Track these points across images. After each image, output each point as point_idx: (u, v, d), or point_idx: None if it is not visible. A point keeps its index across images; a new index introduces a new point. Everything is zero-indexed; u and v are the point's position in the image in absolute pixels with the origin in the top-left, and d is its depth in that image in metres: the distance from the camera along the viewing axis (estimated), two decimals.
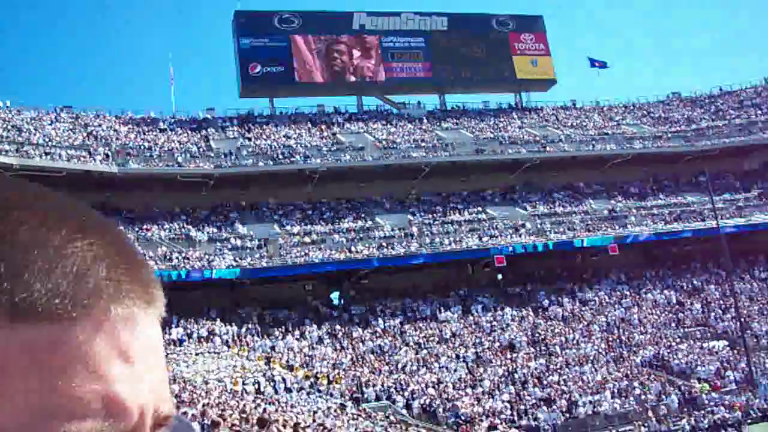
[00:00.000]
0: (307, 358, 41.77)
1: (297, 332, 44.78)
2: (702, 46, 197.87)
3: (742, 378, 43.37)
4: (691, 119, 74.31)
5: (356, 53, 68.03)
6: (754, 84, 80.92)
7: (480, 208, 58.62)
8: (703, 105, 79.11)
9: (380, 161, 57.58)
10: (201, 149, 55.42)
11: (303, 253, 48.58)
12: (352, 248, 50.22)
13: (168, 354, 36.73)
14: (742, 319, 47.16)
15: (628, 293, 55.56)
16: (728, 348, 47.87)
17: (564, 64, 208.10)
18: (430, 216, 56.51)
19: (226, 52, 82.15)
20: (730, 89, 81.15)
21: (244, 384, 34.04)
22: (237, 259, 47.20)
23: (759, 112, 74.49)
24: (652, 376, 43.72)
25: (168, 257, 45.48)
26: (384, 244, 51.32)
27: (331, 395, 36.66)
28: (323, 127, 63.79)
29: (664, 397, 40.61)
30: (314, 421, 29.42)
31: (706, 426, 36.83)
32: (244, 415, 26.62)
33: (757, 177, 69.87)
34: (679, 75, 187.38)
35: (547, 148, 63.68)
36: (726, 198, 64.38)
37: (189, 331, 40.86)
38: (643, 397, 40.49)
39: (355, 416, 33.38)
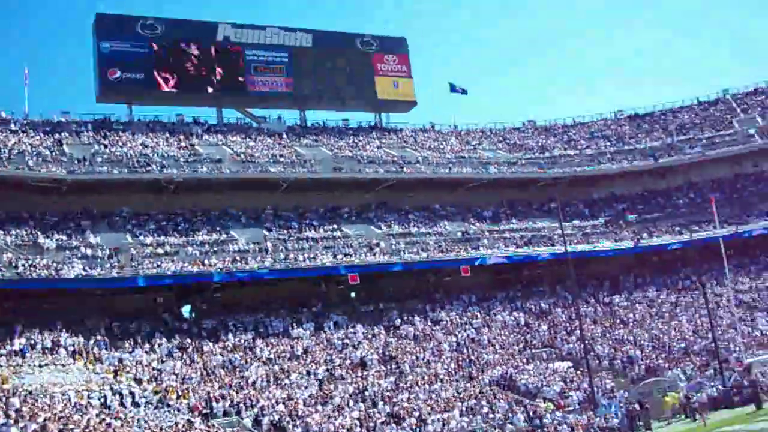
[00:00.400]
0: (155, 371, 40.79)
1: (146, 345, 43.71)
2: (559, 76, 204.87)
3: (584, 398, 45.07)
4: (544, 147, 77.24)
5: (219, 64, 67.44)
6: (604, 117, 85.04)
7: (336, 226, 58.94)
8: (556, 134, 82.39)
9: (238, 174, 57.13)
10: (54, 153, 53.51)
11: (155, 264, 47.56)
12: (206, 261, 49.51)
13: (9, 365, 35.33)
14: (586, 342, 49.08)
15: (478, 314, 56.96)
16: (572, 369, 49.73)
17: (425, 86, 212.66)
18: (286, 231, 56.39)
19: (85, 55, 79.83)
20: (582, 120, 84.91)
21: (89, 397, 32.86)
22: (87, 268, 45.70)
23: (608, 143, 78.31)
24: (500, 395, 44.90)
25: (14, 264, 43.66)
26: (238, 258, 50.82)
27: (179, 410, 35.97)
28: (181, 137, 62.85)
29: (510, 415, 41.71)
30: None
31: None
32: (87, 430, 25.86)
33: (604, 205, 73.48)
34: (535, 103, 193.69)
35: (405, 169, 64.77)
36: (575, 224, 67.19)
37: (32, 342, 39.22)
38: (490, 415, 41.50)
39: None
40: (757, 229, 68.50)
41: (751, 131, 78.44)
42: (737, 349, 50.93)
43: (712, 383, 47.59)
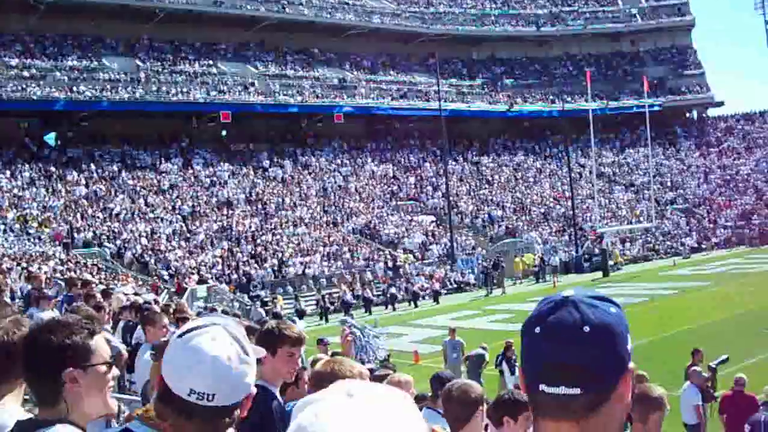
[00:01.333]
0: (16, 199, 40.29)
1: (8, 171, 42.80)
2: None
3: (444, 252, 47.07)
4: (430, 2, 76.66)
5: None
6: None
7: (211, 62, 57.79)
8: None
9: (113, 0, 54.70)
10: None
11: (20, 88, 45.94)
12: (74, 88, 48.04)
13: None
14: (451, 198, 50.81)
15: (348, 162, 57.80)
16: (435, 224, 51.54)
17: None
18: (160, 63, 54.95)
19: None
20: None
21: None
22: None
23: (493, 5, 78.30)
24: (362, 243, 46.39)
25: None
26: (109, 87, 49.50)
27: (40, 239, 35.91)
28: None
29: (371, 263, 43.34)
30: (18, 264, 29.03)
31: (408, 292, 39.80)
32: None
33: (483, 67, 74.13)
34: None
35: (287, 9, 63.49)
36: (452, 83, 67.87)
37: None
38: (351, 262, 43.01)
39: (63, 261, 33.11)
40: (625, 107, 71.19)
41: (634, 11, 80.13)
42: (593, 218, 53.61)
43: (566, 249, 50.39)
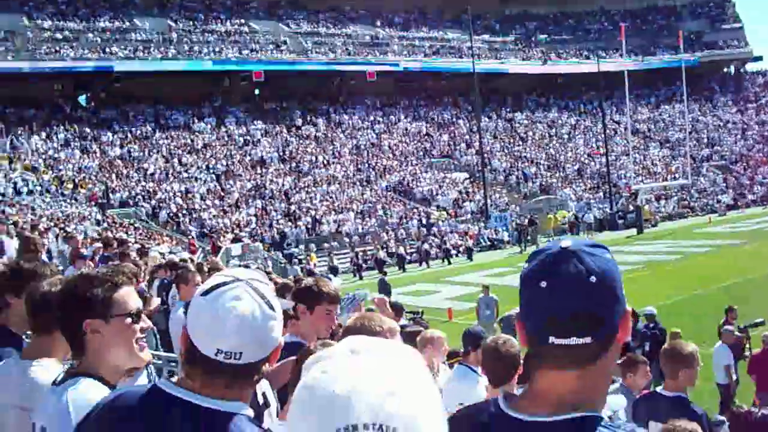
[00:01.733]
0: (52, 160, 40.68)
1: (42, 133, 43.16)
2: None
3: (477, 209, 46.98)
4: None
5: None
6: None
7: (243, 21, 57.65)
8: None
9: None
10: None
11: (53, 50, 46.16)
12: (107, 49, 48.22)
13: None
14: (484, 155, 50.55)
15: (380, 120, 57.69)
16: (468, 181, 51.36)
17: None
18: (191, 23, 54.96)
19: None
20: None
21: None
22: None
23: None
24: (396, 200, 46.42)
25: None
26: (141, 47, 49.66)
27: (76, 200, 36.27)
28: None
29: (405, 221, 43.38)
30: (55, 225, 29.28)
31: (441, 249, 39.80)
32: None
33: (515, 23, 73.23)
34: None
35: None
36: (485, 38, 67.16)
37: None
38: (385, 219, 43.07)
39: (99, 222, 33.44)
40: (661, 62, 70.18)
41: None
42: (628, 175, 53.16)
43: (600, 206, 50.05)
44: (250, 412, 1.92)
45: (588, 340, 1.50)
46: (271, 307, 1.90)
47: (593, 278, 1.50)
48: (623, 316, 1.54)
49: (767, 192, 56.72)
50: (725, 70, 78.28)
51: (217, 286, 1.89)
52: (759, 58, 78.49)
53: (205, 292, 1.89)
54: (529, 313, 1.56)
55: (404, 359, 1.24)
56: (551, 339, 1.51)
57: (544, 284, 1.52)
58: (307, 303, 4.12)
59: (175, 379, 2.01)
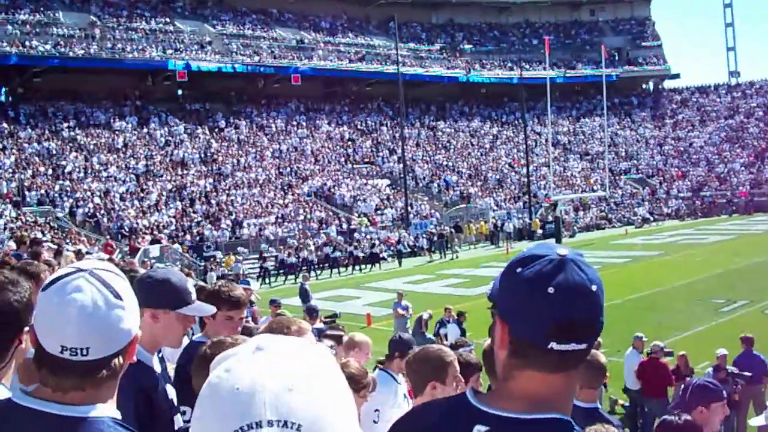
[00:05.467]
0: None
1: None
2: None
3: (398, 216, 47.20)
4: None
5: None
6: None
7: (168, 19, 56.90)
8: None
9: None
10: None
11: None
12: (27, 42, 47.07)
13: None
14: (407, 162, 50.81)
15: (304, 124, 57.55)
16: (389, 187, 51.57)
17: None
18: (115, 20, 53.96)
19: None
20: None
21: None
22: None
23: None
24: (317, 205, 46.34)
25: None
26: (62, 42, 48.59)
27: None
28: None
29: (325, 226, 43.33)
30: None
31: (361, 255, 39.88)
32: None
33: (441, 32, 73.91)
34: None
35: None
36: (410, 47, 67.59)
37: None
38: (305, 224, 42.96)
39: (14, 219, 32.72)
40: (582, 76, 71.71)
41: None
42: (547, 186, 54.03)
43: (520, 215, 50.83)
44: (115, 414, 1.80)
45: (584, 346, 1.57)
46: (118, 296, 1.76)
47: (594, 287, 1.56)
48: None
49: (682, 205, 58.32)
50: (644, 86, 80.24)
51: (58, 278, 1.76)
52: (677, 76, 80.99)
53: (46, 286, 1.76)
54: (529, 318, 1.58)
55: (311, 356, 1.24)
56: (552, 344, 1.55)
57: (551, 290, 1.55)
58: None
59: (32, 388, 1.83)
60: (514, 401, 1.60)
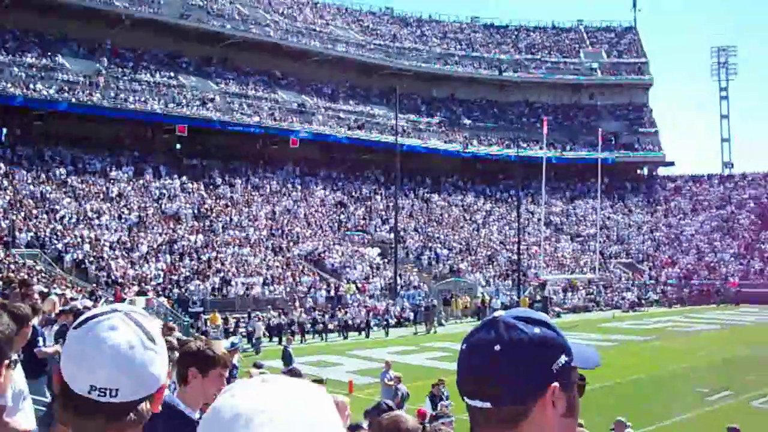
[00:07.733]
0: None
1: None
2: None
3: (386, 285, 47.10)
4: (396, 37, 77.37)
5: None
6: (460, 20, 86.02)
7: (173, 74, 57.47)
8: (410, 26, 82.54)
9: (78, 1, 54.06)
10: None
11: None
12: (31, 85, 47.41)
13: None
14: (398, 233, 50.88)
15: (299, 187, 57.77)
16: (380, 256, 51.55)
17: None
18: (120, 70, 54.50)
19: None
20: (438, 18, 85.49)
21: None
22: None
23: (459, 46, 79.44)
24: (306, 269, 46.24)
25: None
26: (66, 88, 48.95)
27: None
28: None
29: (313, 290, 43.18)
30: None
31: (349, 323, 39.75)
32: None
33: (442, 105, 74.89)
34: None
35: (253, 30, 63.67)
36: (410, 118, 68.37)
37: None
38: (294, 287, 42.82)
39: (2, 260, 32.55)
40: (579, 158, 72.40)
41: (595, 65, 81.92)
42: (538, 265, 54.11)
43: (508, 292, 50.84)
44: None
45: (488, 405, 1.54)
46: (152, 339, 1.71)
47: (497, 347, 1.54)
48: (543, 391, 1.54)
49: (670, 292, 58.36)
50: (639, 171, 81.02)
51: (92, 317, 1.71)
52: (671, 164, 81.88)
53: (78, 324, 1.71)
54: (456, 373, 1.62)
55: (313, 391, 1.27)
56: (464, 398, 1.57)
57: (464, 346, 1.60)
58: (200, 366, 3.96)
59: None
60: None
